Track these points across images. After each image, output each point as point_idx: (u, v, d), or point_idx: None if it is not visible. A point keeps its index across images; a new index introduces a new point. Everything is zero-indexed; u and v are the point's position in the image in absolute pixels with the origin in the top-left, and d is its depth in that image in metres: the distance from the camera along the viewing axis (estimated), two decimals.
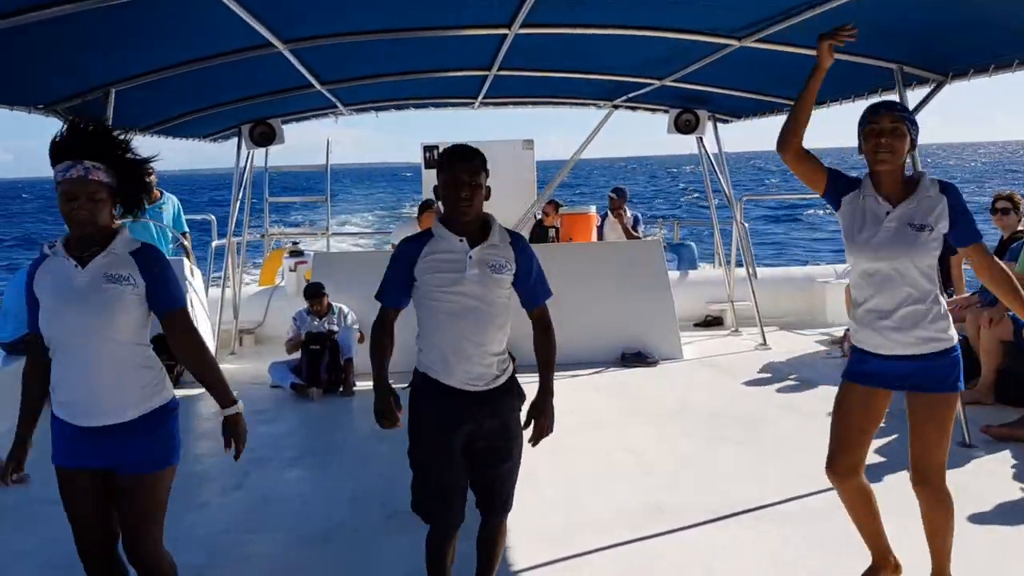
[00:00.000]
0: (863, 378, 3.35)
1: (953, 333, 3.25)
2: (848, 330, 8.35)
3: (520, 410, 3.23)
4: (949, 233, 3.20)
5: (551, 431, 3.20)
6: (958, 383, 3.25)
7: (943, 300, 3.26)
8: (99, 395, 2.87)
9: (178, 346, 3.01)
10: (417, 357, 3.20)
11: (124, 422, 2.89)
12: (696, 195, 56.07)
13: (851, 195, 3.30)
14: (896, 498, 3.75)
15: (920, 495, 3.34)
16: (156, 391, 2.96)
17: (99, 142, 2.86)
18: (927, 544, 3.41)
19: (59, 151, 2.84)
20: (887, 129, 3.16)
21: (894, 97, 6.36)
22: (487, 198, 3.12)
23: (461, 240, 3.09)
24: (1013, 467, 5.13)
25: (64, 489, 2.96)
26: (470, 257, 3.08)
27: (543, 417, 3.18)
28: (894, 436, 5.65)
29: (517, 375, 3.26)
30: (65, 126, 2.89)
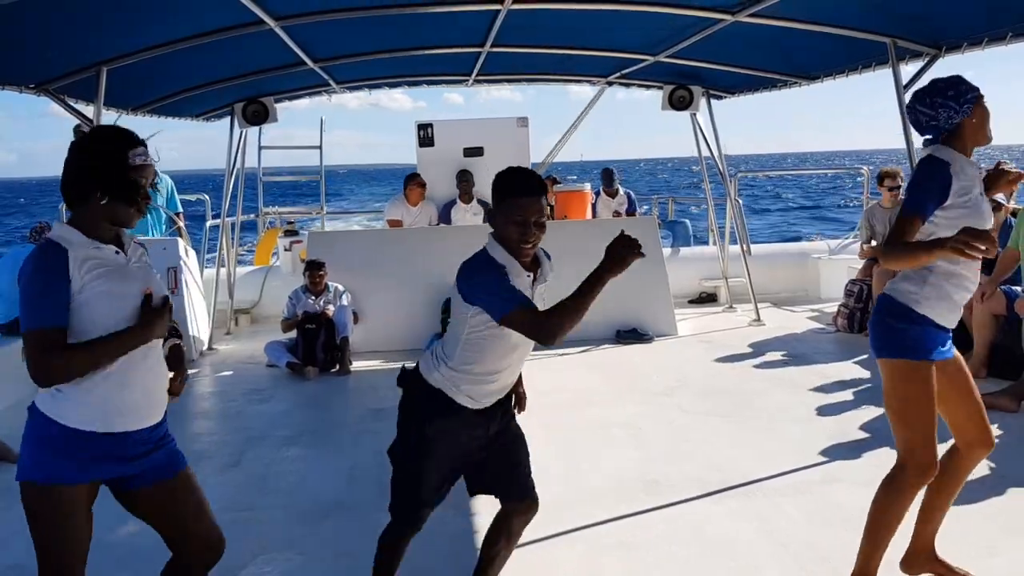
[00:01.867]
0: (940, 353, 3.13)
1: None
2: (845, 304, 8.40)
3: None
4: None
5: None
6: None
7: None
8: (156, 392, 2.68)
9: None
10: (439, 373, 3.01)
11: (159, 421, 2.72)
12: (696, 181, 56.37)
13: (953, 178, 3.03)
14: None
15: (974, 460, 3.34)
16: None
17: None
18: (928, 516, 3.40)
19: (131, 139, 2.60)
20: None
21: (887, 71, 6.37)
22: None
23: (529, 275, 2.98)
24: (996, 437, 5.16)
25: (70, 509, 2.55)
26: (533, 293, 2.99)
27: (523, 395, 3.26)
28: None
29: None
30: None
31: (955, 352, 3.23)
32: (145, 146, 2.60)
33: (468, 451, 3.10)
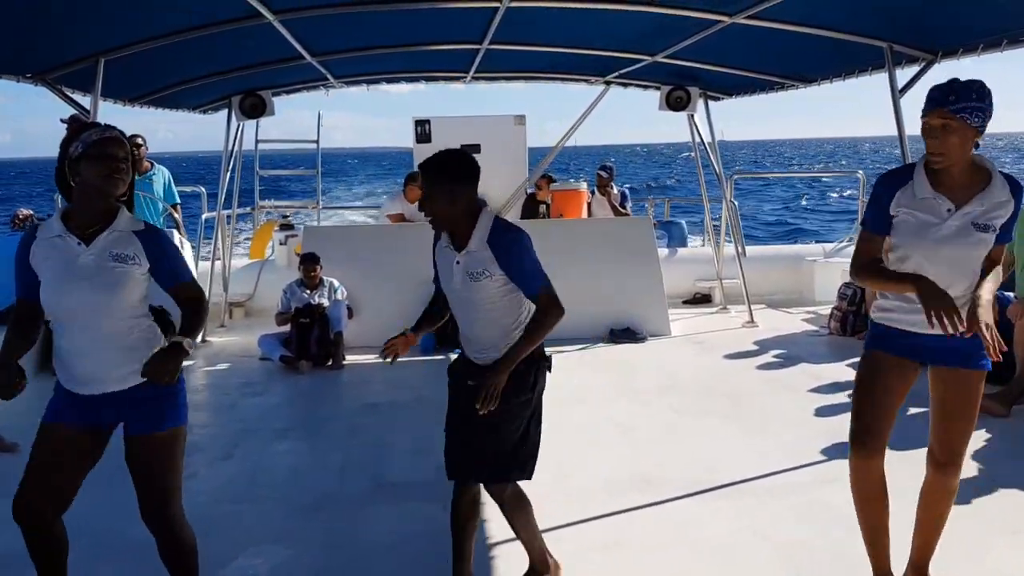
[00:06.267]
0: (895, 348, 3.19)
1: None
2: (839, 307, 8.43)
3: (515, 393, 3.23)
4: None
5: (488, 397, 3.10)
6: (984, 362, 3.12)
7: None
8: (101, 368, 2.90)
9: (186, 309, 3.02)
10: None
11: (125, 388, 2.92)
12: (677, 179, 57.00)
13: (901, 191, 3.09)
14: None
15: (931, 477, 3.25)
16: None
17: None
18: (915, 529, 3.37)
19: (83, 125, 2.91)
20: (935, 127, 2.95)
21: (884, 76, 6.38)
22: (454, 203, 3.21)
23: (449, 247, 3.33)
24: (985, 440, 5.22)
25: (40, 440, 2.96)
26: (457, 263, 3.26)
27: (484, 378, 3.15)
28: None
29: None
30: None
31: (952, 368, 3.15)
32: (101, 126, 2.89)
33: (455, 390, 3.49)
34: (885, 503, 3.31)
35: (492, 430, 3.24)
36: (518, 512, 3.43)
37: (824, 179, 53.79)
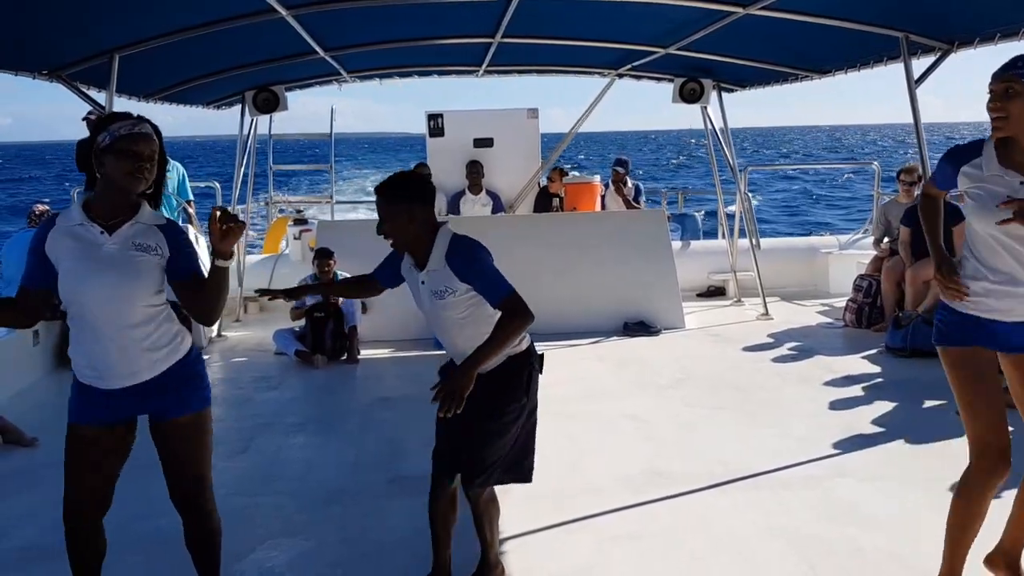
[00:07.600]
0: (975, 337, 2.98)
1: None
2: (854, 299, 8.38)
3: (505, 393, 3.28)
4: None
5: (451, 397, 3.00)
6: None
7: None
8: (122, 359, 2.86)
9: (192, 307, 2.99)
10: None
11: (145, 380, 2.90)
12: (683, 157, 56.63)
13: (971, 164, 2.97)
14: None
15: None
16: (176, 345, 2.96)
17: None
18: (1012, 518, 3.22)
19: (114, 115, 2.86)
20: (997, 92, 2.82)
21: (899, 66, 6.34)
22: (412, 222, 3.19)
23: (413, 267, 3.31)
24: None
25: (72, 444, 2.93)
26: (422, 283, 3.26)
27: (447, 379, 3.09)
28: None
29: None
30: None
31: None
32: (133, 119, 2.84)
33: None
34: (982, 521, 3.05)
35: (487, 434, 3.25)
36: (492, 513, 3.44)
37: (838, 170, 53.49)
